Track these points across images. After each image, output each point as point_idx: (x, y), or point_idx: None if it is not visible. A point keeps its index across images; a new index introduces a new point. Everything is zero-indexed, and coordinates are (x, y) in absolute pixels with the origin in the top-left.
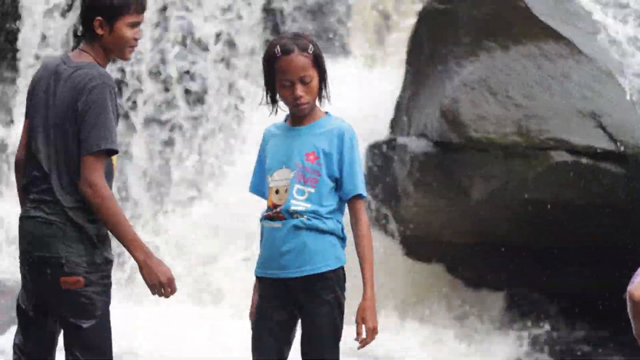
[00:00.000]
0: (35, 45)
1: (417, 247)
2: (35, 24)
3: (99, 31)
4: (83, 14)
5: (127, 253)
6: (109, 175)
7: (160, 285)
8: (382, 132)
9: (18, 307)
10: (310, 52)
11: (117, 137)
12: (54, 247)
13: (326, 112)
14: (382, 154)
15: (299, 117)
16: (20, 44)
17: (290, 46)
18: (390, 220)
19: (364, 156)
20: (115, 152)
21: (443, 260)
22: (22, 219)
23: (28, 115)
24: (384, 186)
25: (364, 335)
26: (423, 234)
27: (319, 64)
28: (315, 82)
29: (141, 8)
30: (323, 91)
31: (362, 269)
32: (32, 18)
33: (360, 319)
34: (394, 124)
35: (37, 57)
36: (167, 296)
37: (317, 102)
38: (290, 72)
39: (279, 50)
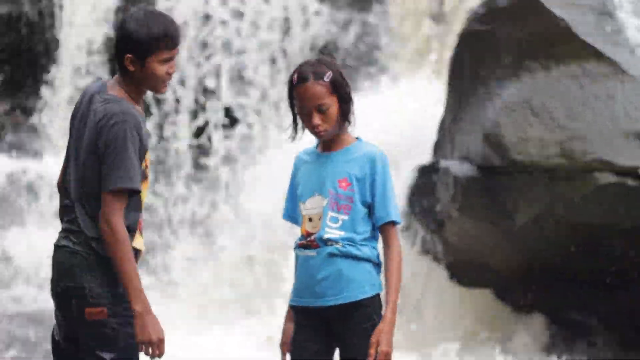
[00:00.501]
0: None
1: (462, 271)
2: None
3: (130, 67)
4: (115, 49)
5: None
6: (135, 210)
7: (150, 343)
8: (425, 155)
9: (52, 338)
10: (327, 79)
11: (138, 174)
12: (79, 277)
13: (357, 138)
14: (425, 178)
15: (328, 143)
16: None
17: (306, 74)
18: (435, 245)
19: (407, 179)
20: (136, 191)
21: (490, 284)
22: (54, 247)
23: (69, 139)
24: (428, 210)
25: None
26: (468, 258)
27: (337, 91)
28: (333, 110)
29: (173, 43)
30: (348, 116)
31: (387, 293)
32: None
33: (375, 341)
34: (437, 147)
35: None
36: (152, 357)
37: (347, 127)
38: (306, 101)
39: (296, 78)
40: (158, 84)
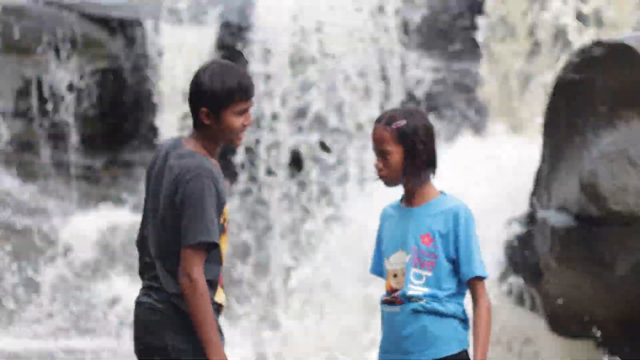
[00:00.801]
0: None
1: (563, 323)
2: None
3: (206, 121)
4: (190, 103)
5: None
6: (215, 264)
7: None
8: (520, 205)
9: None
10: (394, 127)
11: (217, 228)
12: (161, 334)
13: (441, 191)
14: (522, 228)
15: (412, 197)
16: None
17: (381, 117)
18: (533, 295)
19: (503, 230)
20: (215, 245)
21: (591, 335)
22: (135, 305)
23: (145, 198)
24: (525, 261)
25: None
26: (568, 309)
27: (404, 141)
28: (394, 158)
29: (248, 95)
30: (416, 169)
31: (475, 349)
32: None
33: None
34: (533, 197)
35: None
36: None
37: (430, 182)
38: (373, 142)
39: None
40: (234, 137)
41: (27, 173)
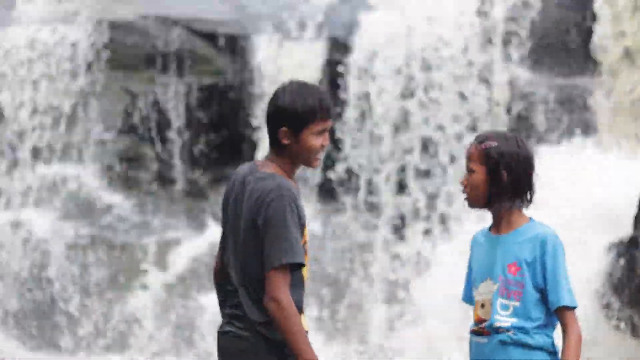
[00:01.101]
0: None
1: None
2: None
3: (285, 141)
4: (269, 123)
5: None
6: (299, 288)
7: None
8: (621, 229)
9: None
10: (483, 146)
11: (301, 248)
12: None
13: (530, 218)
14: (625, 253)
15: (499, 224)
16: None
17: (479, 135)
18: (634, 323)
19: (604, 254)
20: (301, 265)
21: None
22: (218, 334)
23: (223, 225)
24: (628, 287)
25: None
26: None
27: (488, 164)
28: (477, 177)
29: (327, 115)
30: (500, 194)
31: None
32: None
33: None
34: (638, 221)
35: None
36: None
37: (520, 209)
38: (466, 158)
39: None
40: (311, 157)
41: (132, 188)
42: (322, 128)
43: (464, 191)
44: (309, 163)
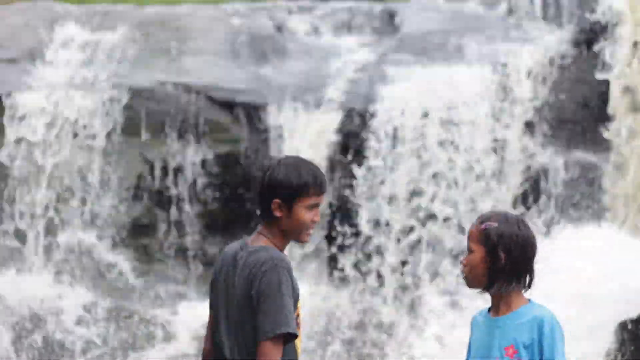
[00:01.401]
0: None
1: None
2: None
3: (277, 213)
4: (262, 195)
5: None
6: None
7: None
8: (631, 306)
9: None
10: (483, 227)
11: (294, 318)
12: None
13: (528, 300)
14: (635, 333)
15: (498, 306)
16: None
17: (481, 215)
18: None
19: (613, 334)
20: (294, 336)
21: None
22: None
23: (211, 306)
24: None
25: None
26: None
27: (486, 245)
28: (475, 257)
29: (321, 190)
30: (497, 276)
31: None
32: None
33: None
34: None
35: None
36: None
37: (518, 291)
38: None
39: None
40: (302, 231)
41: (144, 256)
42: (315, 202)
43: (462, 270)
44: (299, 237)
